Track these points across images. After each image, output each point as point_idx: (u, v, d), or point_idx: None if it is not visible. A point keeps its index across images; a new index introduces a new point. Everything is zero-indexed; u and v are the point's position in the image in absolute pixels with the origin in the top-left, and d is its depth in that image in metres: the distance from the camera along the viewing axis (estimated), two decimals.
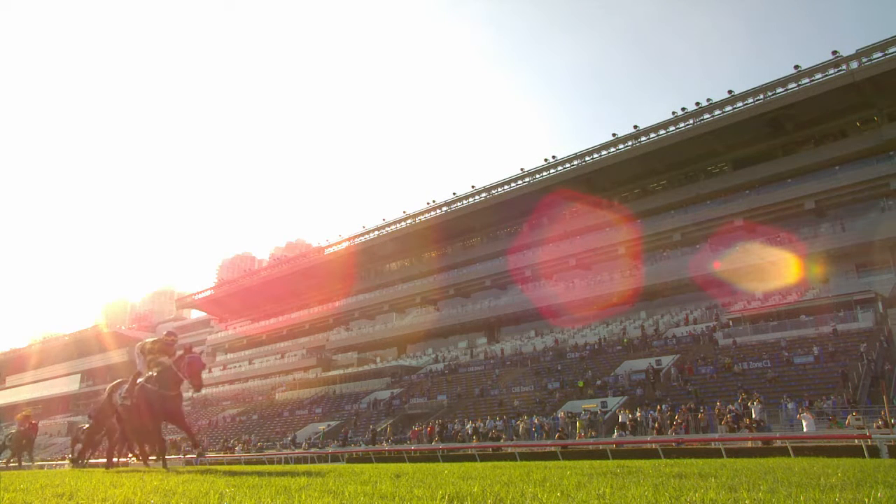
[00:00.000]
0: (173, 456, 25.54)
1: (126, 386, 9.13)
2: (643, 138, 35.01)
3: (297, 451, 27.86)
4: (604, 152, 36.60)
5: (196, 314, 70.16)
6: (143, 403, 8.47)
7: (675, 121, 33.84)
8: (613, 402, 24.99)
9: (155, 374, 8.48)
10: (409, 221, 46.58)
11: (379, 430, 30.00)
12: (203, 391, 53.66)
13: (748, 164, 33.51)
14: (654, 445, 16.51)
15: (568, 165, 38.13)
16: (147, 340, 9.37)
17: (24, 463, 18.42)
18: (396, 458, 15.50)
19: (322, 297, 54.18)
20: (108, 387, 10.06)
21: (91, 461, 15.36)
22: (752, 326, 28.11)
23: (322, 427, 34.01)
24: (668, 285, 34.53)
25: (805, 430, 17.01)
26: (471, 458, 16.27)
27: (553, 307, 37.57)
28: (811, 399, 19.72)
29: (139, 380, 8.84)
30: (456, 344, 43.96)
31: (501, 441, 22.70)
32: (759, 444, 15.86)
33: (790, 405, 19.83)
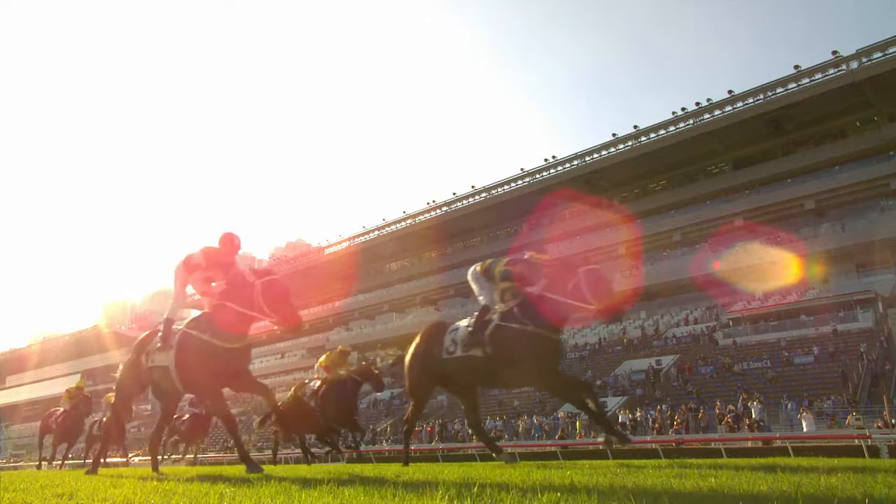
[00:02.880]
0: (172, 455, 25.48)
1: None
2: (643, 138, 34.99)
3: (296, 450, 27.86)
4: (604, 152, 36.59)
5: (196, 314, 70.03)
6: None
7: (675, 121, 33.83)
8: (613, 402, 24.99)
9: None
10: (409, 221, 46.55)
11: (379, 430, 30.00)
12: None
13: (748, 164, 33.50)
14: (654, 445, 16.51)
15: (568, 165, 38.12)
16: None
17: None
18: (396, 458, 15.51)
19: (322, 297, 54.15)
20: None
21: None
22: (752, 326, 28.11)
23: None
24: (668, 285, 34.51)
25: (805, 430, 17.02)
26: (471, 459, 16.28)
27: None
28: (811, 399, 19.72)
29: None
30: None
31: (502, 441, 22.69)
32: (759, 444, 15.87)
33: (790, 405, 19.84)
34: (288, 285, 5.44)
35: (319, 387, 10.39)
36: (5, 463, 42.49)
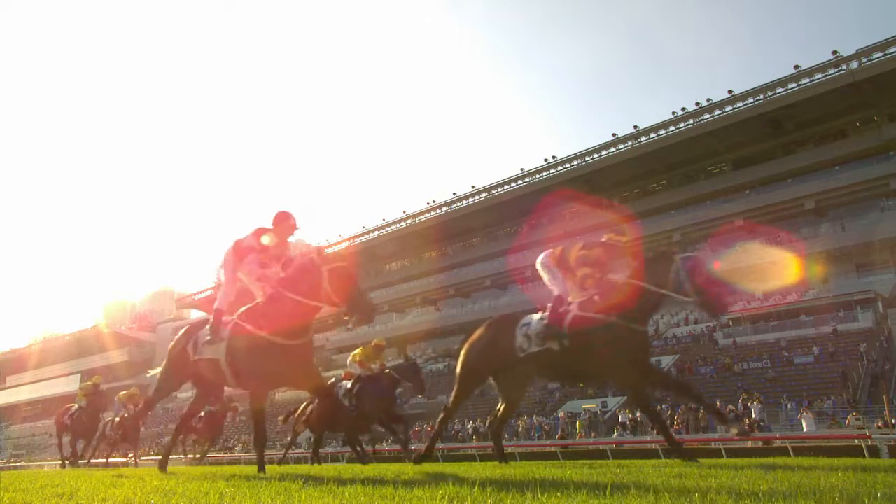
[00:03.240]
0: (174, 456, 25.56)
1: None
2: (643, 138, 35.01)
3: (297, 451, 27.85)
4: (604, 152, 36.61)
5: (196, 314, 70.09)
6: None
7: (675, 121, 33.84)
8: (613, 402, 24.99)
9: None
10: (409, 221, 46.56)
11: (379, 430, 30.00)
12: None
13: (748, 164, 33.50)
14: (654, 445, 16.50)
15: (568, 165, 38.15)
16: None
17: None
18: (396, 458, 15.49)
19: None
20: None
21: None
22: (752, 326, 28.13)
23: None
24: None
25: (805, 430, 17.03)
26: (471, 458, 16.28)
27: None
28: (811, 399, 19.73)
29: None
30: (456, 344, 43.92)
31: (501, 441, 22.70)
32: (759, 444, 15.87)
33: (790, 405, 19.85)
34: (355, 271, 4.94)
35: (353, 384, 10.00)
36: (5, 463, 42.49)
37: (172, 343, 5.80)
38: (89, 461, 14.14)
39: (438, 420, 6.99)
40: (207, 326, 5.35)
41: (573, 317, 5.54)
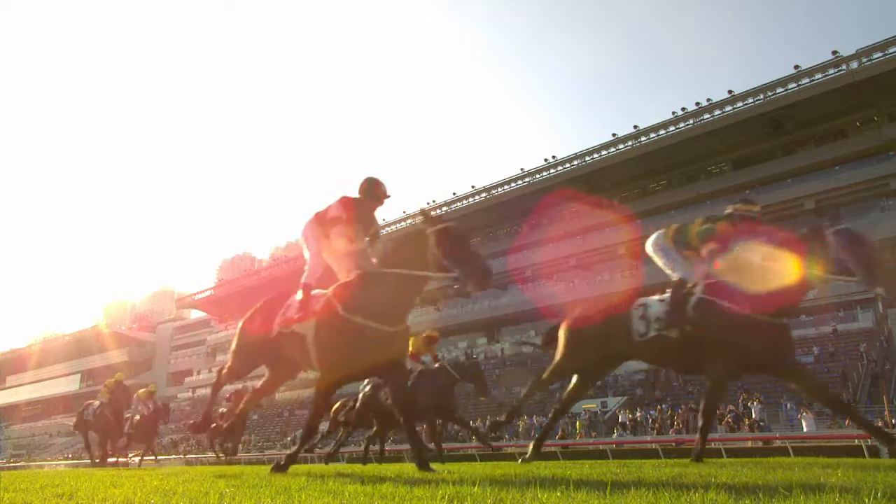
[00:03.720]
0: (173, 456, 25.56)
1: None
2: (643, 138, 35.02)
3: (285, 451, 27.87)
4: (604, 152, 36.62)
5: (196, 314, 69.99)
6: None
7: (675, 121, 33.85)
8: (613, 402, 25.01)
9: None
10: (408, 222, 46.54)
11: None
12: (203, 391, 53.24)
13: (748, 164, 33.50)
14: (654, 445, 16.53)
15: (568, 165, 38.15)
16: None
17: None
18: (397, 458, 15.50)
19: None
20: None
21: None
22: None
23: (322, 427, 33.94)
24: (668, 285, 34.36)
25: (805, 430, 17.02)
26: (471, 458, 16.28)
27: (553, 307, 37.55)
28: (811, 399, 19.73)
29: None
30: (456, 344, 43.95)
31: (502, 441, 22.69)
32: (759, 444, 15.87)
33: (790, 405, 19.84)
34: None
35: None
36: (5, 463, 42.48)
37: (247, 317, 5.21)
38: (117, 460, 13.74)
39: (554, 413, 6.52)
40: (295, 299, 4.72)
41: (698, 301, 5.00)
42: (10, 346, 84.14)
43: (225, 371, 5.38)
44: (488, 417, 26.53)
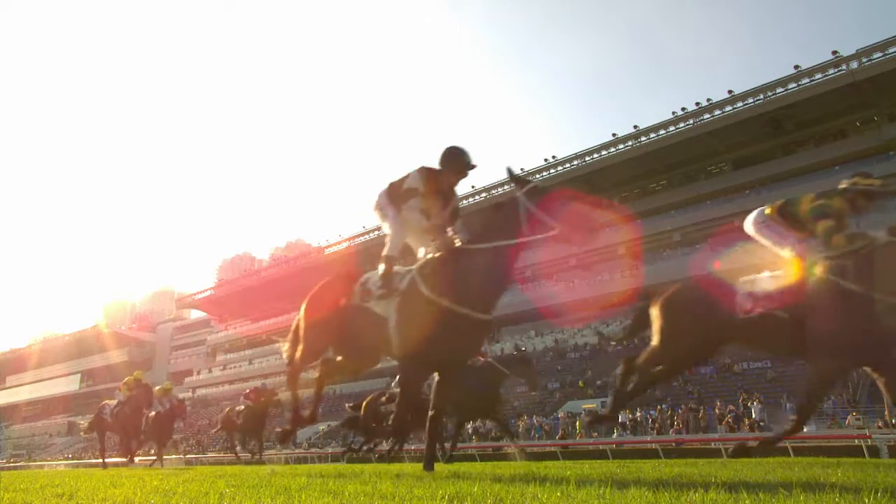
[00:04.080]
0: (173, 456, 25.52)
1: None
2: (643, 138, 35.01)
3: (297, 451, 27.88)
4: (604, 152, 36.61)
5: (196, 314, 69.99)
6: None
7: (675, 121, 33.84)
8: None
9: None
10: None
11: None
12: (203, 391, 53.21)
13: (748, 164, 33.52)
14: (654, 445, 16.53)
15: (568, 165, 38.14)
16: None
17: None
18: (397, 458, 15.49)
19: None
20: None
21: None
22: None
23: (322, 427, 33.98)
24: (668, 285, 34.45)
25: (805, 430, 17.00)
26: (471, 459, 16.29)
27: (553, 307, 37.59)
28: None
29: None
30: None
31: (501, 441, 22.70)
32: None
33: (790, 405, 19.83)
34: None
35: None
36: (5, 463, 42.47)
37: (315, 292, 4.76)
38: (133, 459, 13.45)
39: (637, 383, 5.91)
40: (377, 273, 4.27)
41: (814, 280, 4.50)
42: (10, 346, 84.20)
43: (298, 355, 4.86)
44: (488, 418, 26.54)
